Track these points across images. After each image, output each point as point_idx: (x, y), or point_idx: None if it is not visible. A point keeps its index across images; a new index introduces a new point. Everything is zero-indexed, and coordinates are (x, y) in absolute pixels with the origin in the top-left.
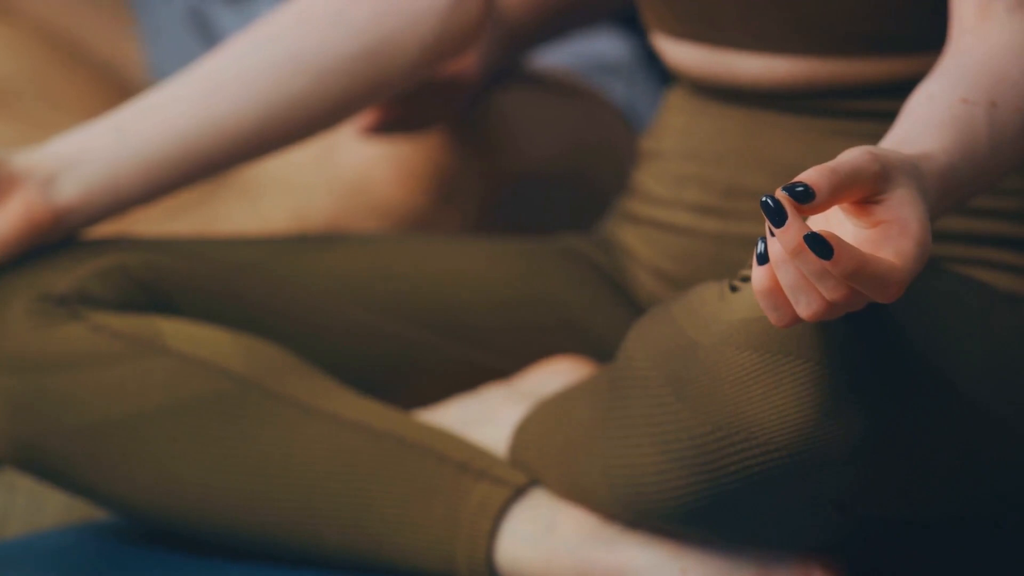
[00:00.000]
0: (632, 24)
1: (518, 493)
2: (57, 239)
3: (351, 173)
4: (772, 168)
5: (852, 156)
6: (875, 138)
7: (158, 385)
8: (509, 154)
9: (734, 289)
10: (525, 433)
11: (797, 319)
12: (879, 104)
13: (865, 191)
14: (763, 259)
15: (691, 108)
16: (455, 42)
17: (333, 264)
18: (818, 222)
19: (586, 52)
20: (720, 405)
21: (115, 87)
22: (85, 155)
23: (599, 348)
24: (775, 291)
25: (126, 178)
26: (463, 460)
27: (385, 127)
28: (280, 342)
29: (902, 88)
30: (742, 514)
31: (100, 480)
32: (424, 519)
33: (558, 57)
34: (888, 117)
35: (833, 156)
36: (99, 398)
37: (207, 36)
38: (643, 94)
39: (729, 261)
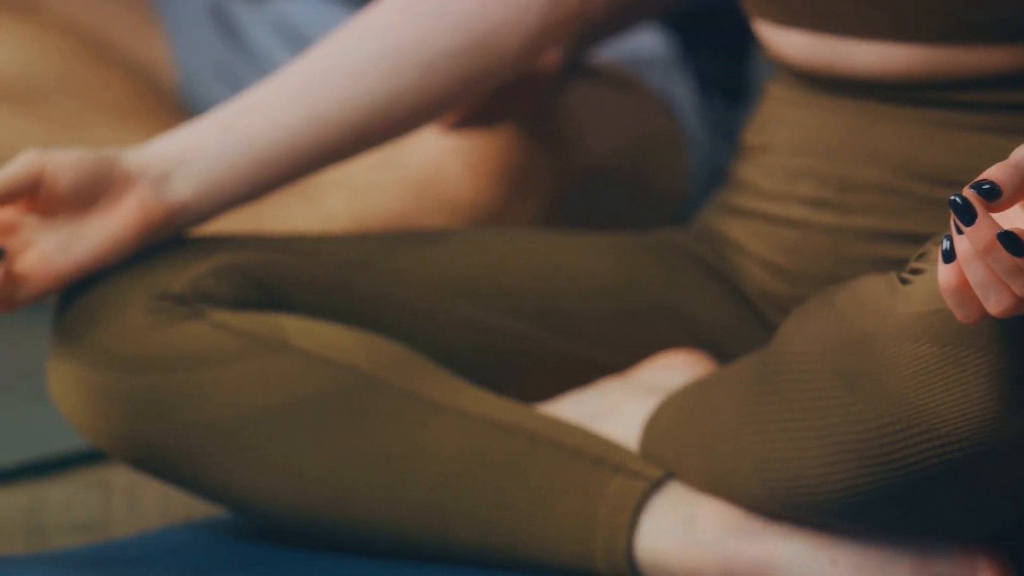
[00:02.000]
0: (667, 18)
1: (655, 486)
2: (168, 238)
3: (420, 169)
4: (887, 161)
5: None
6: (993, 131)
7: (282, 381)
8: (577, 148)
9: (904, 281)
10: (658, 426)
11: (985, 315)
12: (998, 95)
13: None
14: (949, 256)
15: (798, 100)
16: (556, 33)
17: (441, 259)
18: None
19: (623, 46)
20: (899, 398)
21: (144, 85)
22: (194, 153)
23: (707, 340)
24: (963, 288)
25: (235, 175)
26: (597, 454)
27: (465, 122)
28: (392, 338)
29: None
30: (909, 506)
31: (223, 477)
32: (559, 513)
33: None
34: (1007, 109)
35: (950, 149)
36: (223, 395)
37: (229, 32)
38: (679, 87)
39: (845, 254)
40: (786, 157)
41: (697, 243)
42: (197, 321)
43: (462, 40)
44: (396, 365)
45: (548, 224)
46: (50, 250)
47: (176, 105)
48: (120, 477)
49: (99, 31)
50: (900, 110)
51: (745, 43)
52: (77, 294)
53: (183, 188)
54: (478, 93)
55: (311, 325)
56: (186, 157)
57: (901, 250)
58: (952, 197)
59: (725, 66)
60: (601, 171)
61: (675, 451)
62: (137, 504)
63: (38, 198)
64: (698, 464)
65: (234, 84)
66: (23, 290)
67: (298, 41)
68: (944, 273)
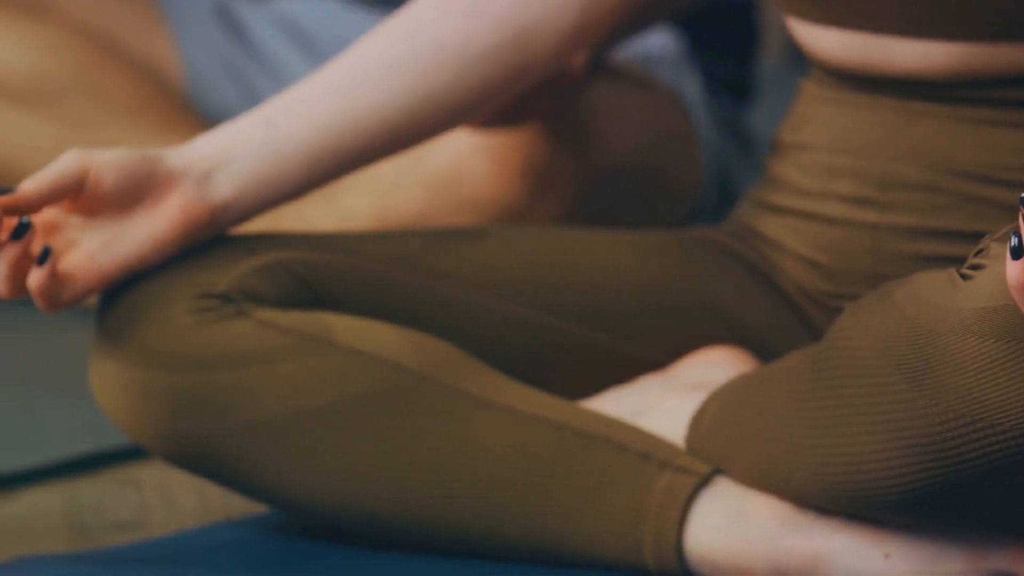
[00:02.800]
0: (675, 16)
1: (704, 481)
2: (211, 236)
3: (443, 168)
4: (928, 159)
5: None
6: None
7: (330, 379)
8: (599, 146)
9: (965, 277)
10: (704, 422)
11: None
12: None
13: None
14: (1018, 253)
15: (837, 98)
16: (592, 31)
17: (481, 257)
18: None
19: (634, 44)
20: (963, 392)
21: (154, 84)
22: (235, 151)
23: (745, 335)
24: None
25: (278, 173)
26: (644, 450)
27: (491, 122)
28: (435, 336)
29: None
30: (968, 500)
31: (271, 476)
32: (608, 509)
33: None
34: None
35: (992, 146)
36: (270, 394)
37: (234, 31)
38: (688, 86)
39: (885, 251)
40: (824, 155)
41: (732, 239)
42: (242, 320)
43: (500, 39)
44: (443, 363)
45: (571, 222)
46: (94, 249)
47: (184, 104)
48: (150, 475)
49: (107, 31)
50: (940, 108)
51: (751, 42)
52: (119, 294)
53: (225, 187)
54: (514, 92)
55: (357, 323)
56: (228, 156)
57: (942, 247)
58: (1023, 195)
59: (731, 65)
60: (621, 170)
61: (723, 447)
62: (172, 502)
63: (81, 197)
64: (748, 460)
65: (241, 83)
66: (68, 289)
67: (303, 39)
68: (1013, 270)
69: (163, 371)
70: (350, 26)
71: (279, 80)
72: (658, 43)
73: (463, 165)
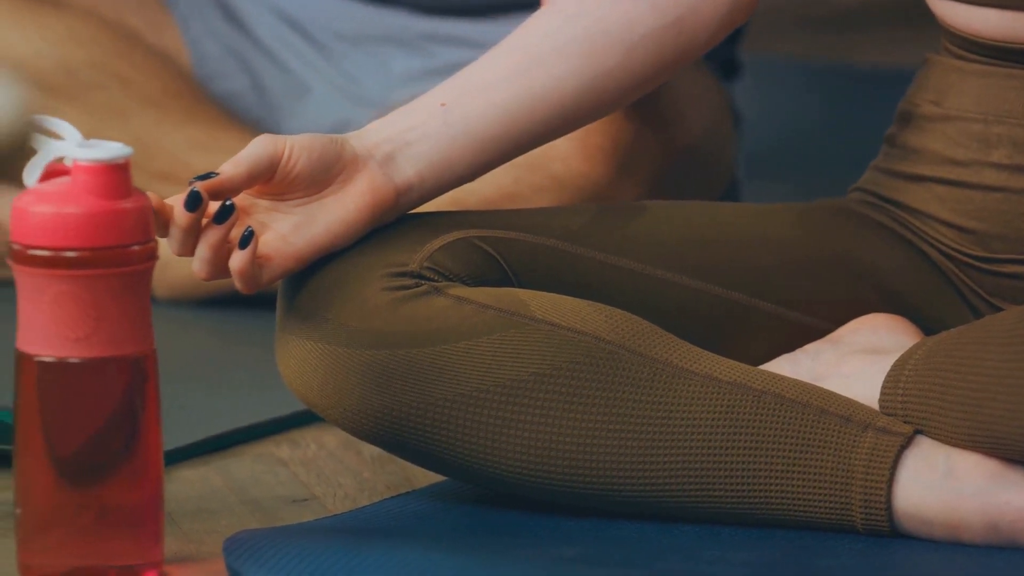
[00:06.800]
0: None
1: (907, 441)
2: (395, 218)
3: None
4: None
5: None
6: None
7: (532, 352)
8: (677, 126)
9: None
10: (900, 385)
11: None
12: None
13: None
14: None
15: (985, 71)
16: (742, 15)
17: (648, 231)
18: None
19: None
20: None
21: (176, 73)
22: (417, 134)
23: (896, 299)
24: None
25: (457, 155)
26: (845, 413)
27: None
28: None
29: None
30: None
31: (469, 449)
32: (814, 472)
33: None
34: None
35: None
36: (473, 368)
37: (235, 21)
38: None
39: None
40: (978, 125)
41: (867, 208)
42: (438, 296)
43: (661, 22)
44: (638, 334)
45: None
46: (287, 232)
47: (202, 93)
48: (285, 452)
49: (121, 22)
50: None
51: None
52: (307, 275)
53: (408, 169)
54: (671, 75)
55: (548, 297)
56: (408, 139)
57: None
58: None
59: (720, 45)
60: (694, 149)
61: (924, 408)
62: (322, 476)
63: (272, 180)
64: (955, 420)
65: (248, 72)
66: (266, 271)
67: (297, 27)
68: None
69: (364, 348)
70: (336, 15)
71: (284, 69)
72: None
73: (550, 144)
